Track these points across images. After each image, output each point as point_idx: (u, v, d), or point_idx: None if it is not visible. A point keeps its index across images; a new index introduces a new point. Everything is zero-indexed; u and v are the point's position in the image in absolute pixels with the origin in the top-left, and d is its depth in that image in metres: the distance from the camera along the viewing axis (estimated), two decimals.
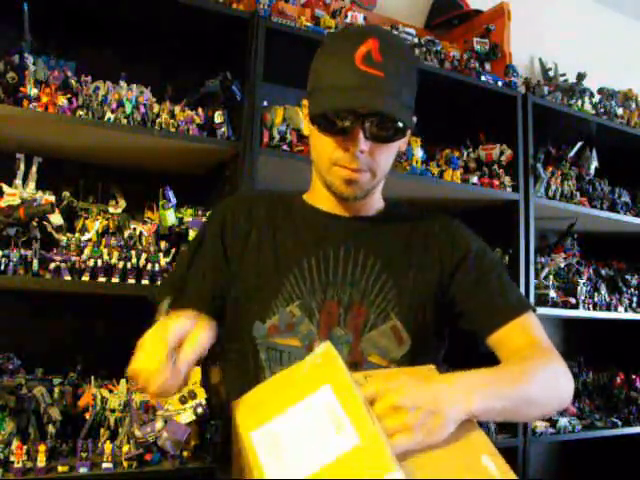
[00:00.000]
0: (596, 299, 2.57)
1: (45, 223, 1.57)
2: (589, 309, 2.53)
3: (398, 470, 0.66)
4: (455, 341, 1.15)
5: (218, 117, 1.74)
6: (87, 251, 1.58)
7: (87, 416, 1.55)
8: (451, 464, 0.74)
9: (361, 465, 0.67)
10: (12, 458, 1.40)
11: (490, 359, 0.98)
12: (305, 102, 1.07)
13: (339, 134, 0.97)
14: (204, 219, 1.37)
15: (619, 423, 2.53)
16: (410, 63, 1.02)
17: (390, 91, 0.94)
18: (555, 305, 2.41)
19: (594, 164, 2.66)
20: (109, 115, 1.62)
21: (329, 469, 0.68)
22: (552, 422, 2.37)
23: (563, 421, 2.38)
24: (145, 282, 1.62)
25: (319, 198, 1.11)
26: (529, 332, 1.02)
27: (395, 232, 1.10)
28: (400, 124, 0.97)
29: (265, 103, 1.83)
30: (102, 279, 1.58)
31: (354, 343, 1.00)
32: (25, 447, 1.42)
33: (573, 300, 2.47)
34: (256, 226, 1.09)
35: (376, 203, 1.13)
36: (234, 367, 1.10)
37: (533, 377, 0.91)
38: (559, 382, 0.95)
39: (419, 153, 2.13)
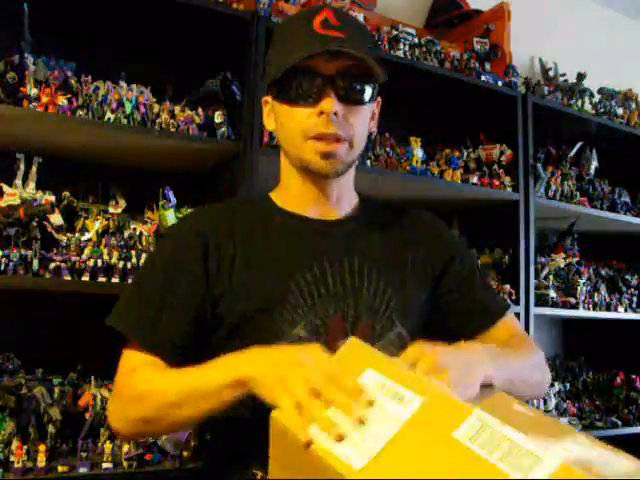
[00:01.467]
0: (596, 299, 2.57)
1: (45, 223, 1.57)
2: (589, 309, 2.53)
3: (476, 408, 0.65)
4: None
5: (218, 117, 1.74)
6: (87, 251, 1.58)
7: (87, 416, 1.55)
8: (498, 410, 0.77)
9: (438, 416, 0.66)
10: (12, 458, 1.40)
11: None
12: (267, 98, 1.03)
13: (309, 100, 0.94)
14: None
15: (619, 423, 2.53)
16: (367, 32, 1.03)
17: (354, 46, 0.93)
18: (555, 305, 2.41)
19: (594, 164, 2.66)
20: (109, 115, 1.62)
21: (407, 430, 0.66)
22: None
23: (563, 421, 2.37)
24: None
25: (293, 199, 1.05)
26: (513, 329, 1.12)
27: (383, 232, 1.08)
28: (371, 79, 0.97)
29: None
30: (102, 279, 1.58)
31: None
32: (25, 447, 1.42)
33: (573, 300, 2.47)
34: (240, 246, 0.99)
35: (351, 196, 1.09)
36: None
37: (528, 360, 1.02)
38: (543, 369, 1.06)
39: (419, 153, 2.13)
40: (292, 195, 1.05)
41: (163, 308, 0.96)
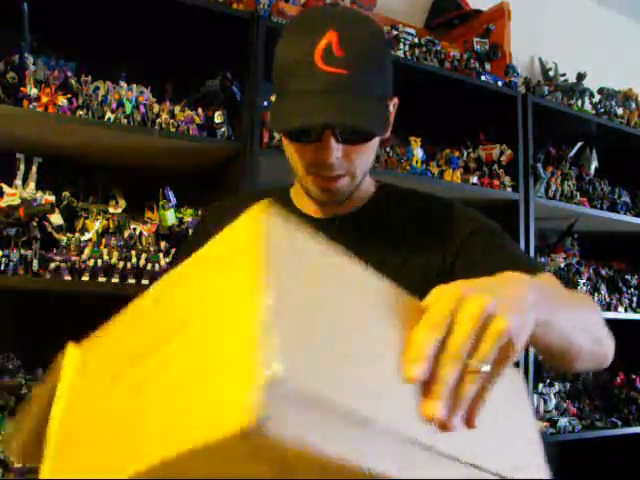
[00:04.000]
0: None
1: (45, 223, 1.57)
2: None
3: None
4: None
5: (218, 117, 1.74)
6: (87, 251, 1.58)
7: None
8: None
9: None
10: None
11: None
12: (274, 98, 0.98)
13: (308, 142, 0.90)
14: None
15: (619, 423, 2.53)
16: (376, 43, 0.90)
17: (357, 89, 0.86)
18: None
19: (594, 164, 2.66)
20: (109, 115, 1.62)
21: None
22: (552, 422, 2.37)
23: (563, 421, 2.38)
24: (145, 282, 1.61)
25: (301, 196, 1.04)
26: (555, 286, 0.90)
27: (383, 226, 1.02)
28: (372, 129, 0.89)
29: (265, 103, 1.83)
30: (102, 279, 1.58)
31: None
32: None
33: None
34: None
35: (364, 193, 1.05)
36: None
37: (590, 309, 0.82)
38: (604, 327, 0.87)
39: (419, 153, 2.13)
40: (297, 194, 1.07)
41: None
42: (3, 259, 1.48)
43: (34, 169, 1.64)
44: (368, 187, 1.06)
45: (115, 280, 1.59)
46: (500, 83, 2.33)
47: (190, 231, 1.71)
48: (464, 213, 1.06)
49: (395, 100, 1.01)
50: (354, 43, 0.86)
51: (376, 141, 0.97)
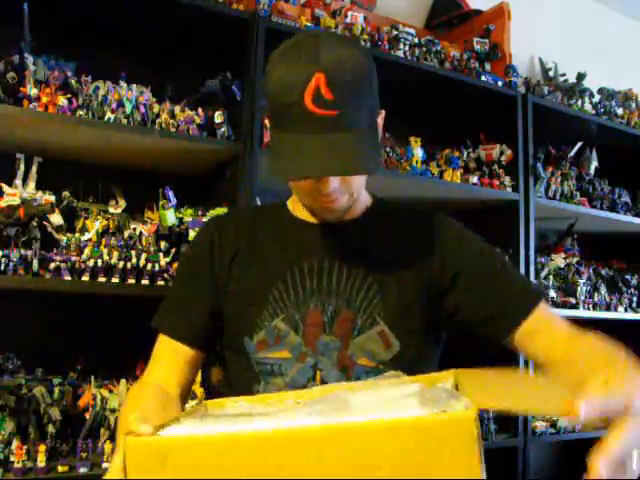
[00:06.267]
0: (596, 299, 2.57)
1: (45, 223, 1.57)
2: (589, 309, 2.53)
3: None
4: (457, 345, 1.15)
5: (218, 117, 1.74)
6: (87, 251, 1.58)
7: (87, 416, 1.55)
8: None
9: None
10: (12, 458, 1.40)
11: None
12: (267, 122, 1.03)
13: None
14: (201, 225, 1.47)
15: None
16: (362, 75, 0.93)
17: (347, 125, 0.90)
18: (555, 305, 2.41)
19: (594, 164, 2.66)
20: (109, 115, 1.62)
21: None
22: (552, 422, 2.36)
23: (563, 421, 2.37)
24: (145, 282, 1.61)
25: (299, 204, 1.09)
26: (555, 319, 1.02)
27: (382, 232, 1.09)
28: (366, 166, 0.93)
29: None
30: (102, 279, 1.58)
31: (343, 348, 1.01)
32: (25, 447, 1.42)
33: (573, 300, 2.47)
34: (242, 246, 1.09)
35: (360, 205, 1.10)
36: (232, 370, 1.11)
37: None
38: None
39: (419, 153, 2.13)
40: (295, 202, 1.11)
41: (182, 303, 1.10)
42: (3, 259, 1.48)
43: (34, 169, 1.64)
44: (364, 200, 1.12)
45: (115, 280, 1.59)
46: (500, 83, 2.33)
47: (190, 232, 1.71)
48: (446, 225, 1.11)
49: (382, 113, 1.04)
50: (340, 83, 0.89)
51: None
